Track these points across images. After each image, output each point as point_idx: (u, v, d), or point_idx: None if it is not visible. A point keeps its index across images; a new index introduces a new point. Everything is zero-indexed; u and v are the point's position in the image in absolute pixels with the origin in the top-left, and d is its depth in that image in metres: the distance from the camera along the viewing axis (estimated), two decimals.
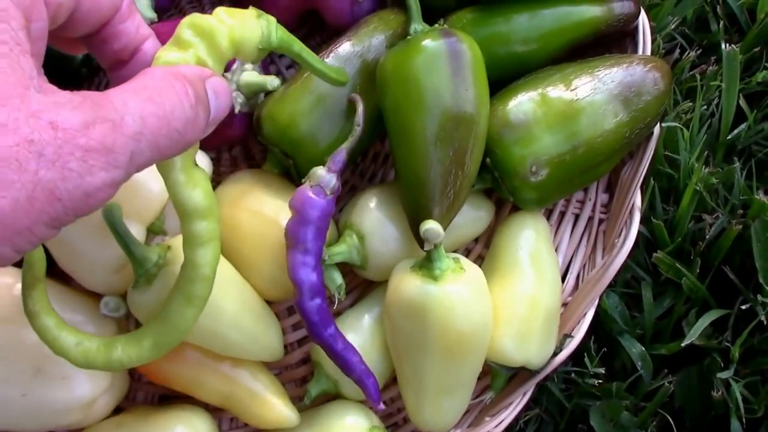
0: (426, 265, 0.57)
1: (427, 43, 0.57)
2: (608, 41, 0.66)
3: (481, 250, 0.69)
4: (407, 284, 0.57)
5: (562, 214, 0.68)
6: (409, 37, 0.59)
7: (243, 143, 0.72)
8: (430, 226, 0.55)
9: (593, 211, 0.68)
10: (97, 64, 0.66)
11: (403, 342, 0.59)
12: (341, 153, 0.59)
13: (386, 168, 0.72)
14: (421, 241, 0.60)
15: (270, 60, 0.71)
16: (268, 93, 0.65)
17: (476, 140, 0.58)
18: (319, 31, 0.74)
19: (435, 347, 0.57)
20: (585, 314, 0.62)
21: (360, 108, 0.60)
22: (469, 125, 0.57)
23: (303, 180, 0.59)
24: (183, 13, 0.77)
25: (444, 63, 0.56)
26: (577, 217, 0.68)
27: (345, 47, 0.63)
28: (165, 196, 0.59)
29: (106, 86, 0.76)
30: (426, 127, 0.57)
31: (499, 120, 0.60)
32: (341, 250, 0.61)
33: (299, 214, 0.58)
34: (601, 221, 0.68)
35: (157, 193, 0.59)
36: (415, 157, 0.58)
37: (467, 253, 0.69)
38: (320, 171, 0.58)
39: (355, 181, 0.71)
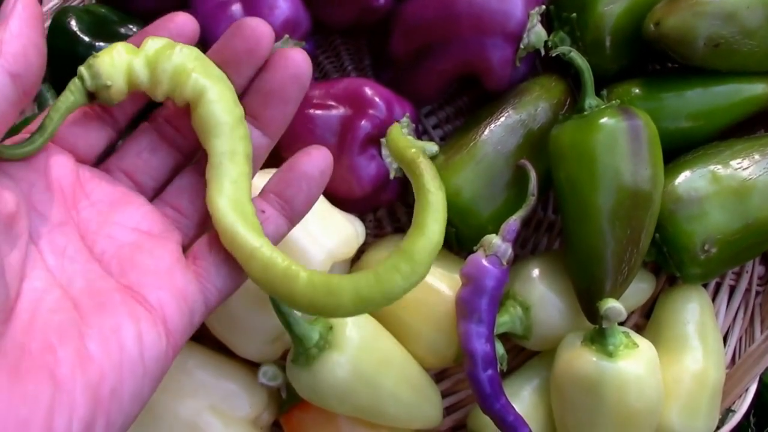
0: (599, 340, 0.57)
1: (607, 121, 0.57)
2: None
3: (637, 319, 0.69)
4: (580, 359, 0.57)
5: (718, 286, 0.68)
6: (585, 112, 0.59)
7: (388, 205, 0.73)
8: (613, 305, 0.56)
9: (750, 283, 0.68)
10: None
11: (573, 417, 0.59)
12: (515, 223, 0.59)
13: (549, 238, 0.72)
14: (590, 314, 0.61)
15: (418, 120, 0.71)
16: None
17: (651, 218, 0.58)
18: (467, 92, 0.74)
19: (608, 423, 0.57)
20: (747, 389, 0.63)
21: (533, 177, 0.60)
22: (647, 204, 0.58)
23: (475, 248, 0.60)
24: (321, 68, 0.77)
25: (624, 142, 0.57)
26: (732, 288, 0.68)
27: (510, 115, 0.64)
28: (328, 263, 0.58)
29: None
30: (603, 205, 0.57)
31: (669, 196, 0.60)
32: (504, 321, 0.62)
33: (474, 283, 0.58)
34: (757, 293, 0.68)
35: (320, 261, 0.57)
36: (591, 233, 0.58)
37: (623, 322, 0.69)
38: (495, 240, 0.58)
39: (516, 250, 0.71)
